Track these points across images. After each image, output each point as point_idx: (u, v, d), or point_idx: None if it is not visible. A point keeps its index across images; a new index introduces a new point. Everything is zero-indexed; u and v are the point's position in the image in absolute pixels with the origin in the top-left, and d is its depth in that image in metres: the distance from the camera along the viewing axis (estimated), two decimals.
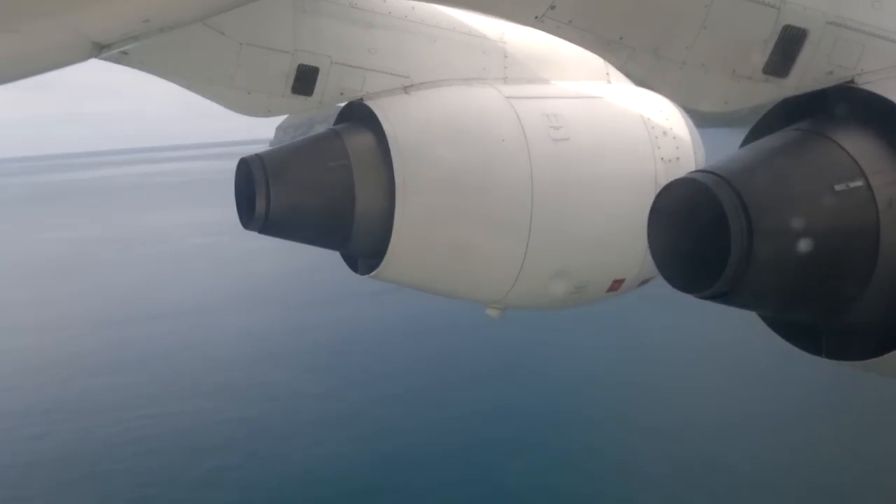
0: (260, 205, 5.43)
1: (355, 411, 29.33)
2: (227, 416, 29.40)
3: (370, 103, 5.75)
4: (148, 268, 59.78)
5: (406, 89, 5.88)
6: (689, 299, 3.87)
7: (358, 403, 30.00)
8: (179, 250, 67.60)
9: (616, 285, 6.44)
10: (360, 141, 5.70)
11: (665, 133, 6.18)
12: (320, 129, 6.15)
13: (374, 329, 40.26)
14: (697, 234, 3.71)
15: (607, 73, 6.53)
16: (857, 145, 3.70)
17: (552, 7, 3.90)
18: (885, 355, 3.74)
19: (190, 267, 59.75)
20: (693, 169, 5.08)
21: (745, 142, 4.10)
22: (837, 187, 3.61)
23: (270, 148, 5.98)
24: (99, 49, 3.48)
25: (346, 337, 39.85)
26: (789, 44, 3.88)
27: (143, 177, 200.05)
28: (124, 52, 5.15)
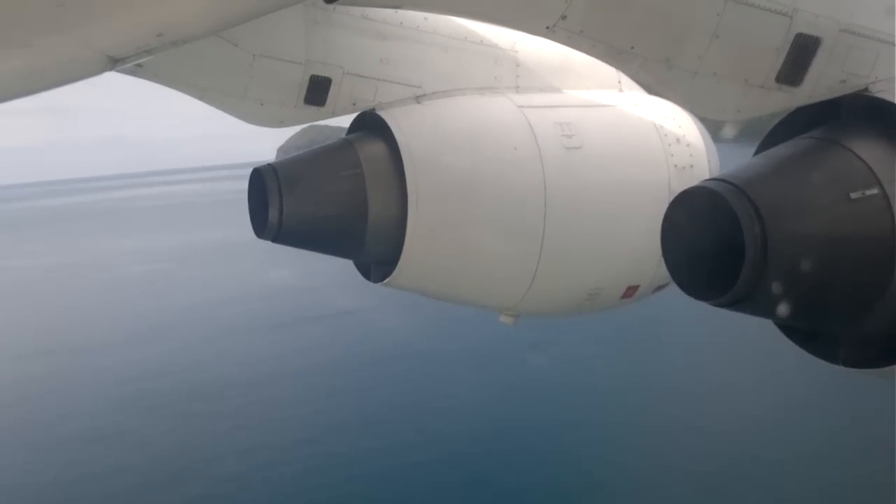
0: (273, 214, 5.46)
1: (180, 472, 26.29)
2: (36, 478, 26.12)
3: (382, 113, 5.77)
4: (73, 298, 57.61)
5: (418, 99, 5.90)
6: (703, 306, 3.86)
7: (187, 463, 27.07)
8: (115, 279, 65.33)
9: (630, 292, 6.42)
10: (372, 150, 5.72)
11: (678, 140, 6.16)
12: None
13: (275, 373, 36.98)
14: (712, 241, 3.70)
15: (619, 82, 6.52)
16: (873, 153, 3.66)
17: (563, 17, 3.90)
18: None
19: (117, 297, 57.02)
20: (707, 177, 5.07)
21: (759, 150, 4.08)
22: (853, 195, 3.59)
23: (282, 158, 6.01)
24: (113, 63, 3.51)
25: (241, 379, 36.00)
26: (802, 52, 3.86)
27: (127, 201, 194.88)
28: (138, 65, 5.20)
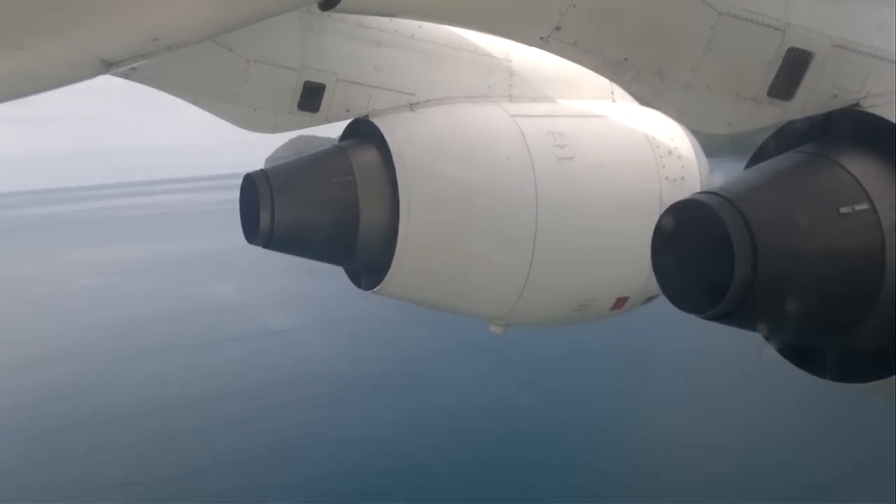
0: (264, 220, 5.45)
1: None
2: None
3: (375, 120, 5.77)
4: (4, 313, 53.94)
5: (411, 107, 5.91)
6: (692, 319, 3.87)
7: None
8: (55, 293, 61.97)
9: (620, 303, 6.43)
10: (365, 157, 5.72)
11: (670, 152, 6.19)
12: None
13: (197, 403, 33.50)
14: (701, 254, 3.71)
15: (612, 93, 6.54)
16: (863, 168, 3.69)
17: (557, 28, 3.92)
18: (891, 378, 3.73)
19: (46, 312, 53.74)
20: (698, 189, 5.08)
21: (750, 164, 4.09)
22: (843, 210, 3.61)
23: (275, 164, 6.01)
24: (107, 66, 3.50)
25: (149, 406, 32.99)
26: (794, 66, 3.89)
27: (109, 211, 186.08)
28: (132, 69, 5.19)
